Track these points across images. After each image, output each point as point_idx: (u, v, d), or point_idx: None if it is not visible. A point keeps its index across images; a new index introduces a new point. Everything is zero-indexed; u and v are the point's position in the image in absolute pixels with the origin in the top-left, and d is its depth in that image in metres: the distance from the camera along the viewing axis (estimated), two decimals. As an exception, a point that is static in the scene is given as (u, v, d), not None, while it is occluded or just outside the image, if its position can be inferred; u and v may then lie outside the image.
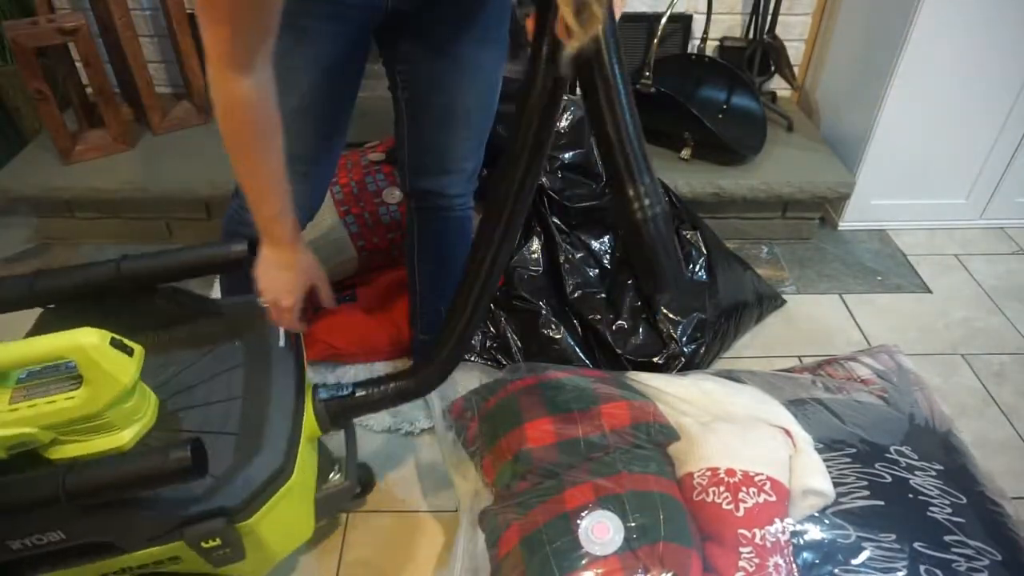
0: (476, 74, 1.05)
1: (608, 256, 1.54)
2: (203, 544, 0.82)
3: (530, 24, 0.79)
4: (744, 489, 0.96)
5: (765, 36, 1.90)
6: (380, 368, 1.48)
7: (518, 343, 1.45)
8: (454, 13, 0.99)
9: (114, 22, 1.73)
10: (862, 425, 1.10)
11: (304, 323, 0.98)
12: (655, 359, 1.42)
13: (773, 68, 1.98)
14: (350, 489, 1.03)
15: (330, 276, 1.51)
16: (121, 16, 1.73)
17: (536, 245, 1.47)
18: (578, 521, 0.93)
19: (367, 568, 1.18)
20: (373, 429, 1.38)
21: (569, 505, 0.95)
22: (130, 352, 0.82)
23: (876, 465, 1.03)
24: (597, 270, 1.52)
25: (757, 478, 0.97)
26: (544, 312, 1.44)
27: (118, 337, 0.81)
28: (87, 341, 0.76)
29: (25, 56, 1.60)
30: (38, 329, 0.95)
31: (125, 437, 0.83)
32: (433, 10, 0.98)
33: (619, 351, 1.42)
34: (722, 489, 0.96)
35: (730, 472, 0.97)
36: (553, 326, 1.43)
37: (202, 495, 0.82)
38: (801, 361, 1.57)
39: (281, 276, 0.92)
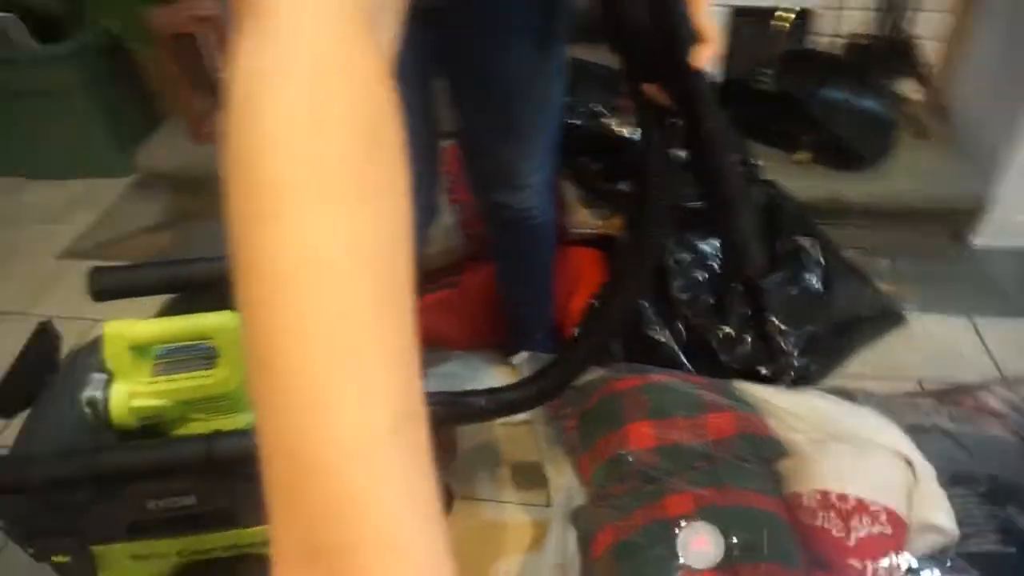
0: (529, 87, 1.00)
1: (717, 260, 1.49)
2: None
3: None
4: (857, 517, 0.90)
5: (896, 33, 1.78)
6: (478, 358, 1.49)
7: (618, 342, 1.43)
8: (492, 21, 0.94)
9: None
10: (994, 462, 1.02)
11: None
12: (762, 370, 1.36)
13: (903, 68, 1.85)
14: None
15: (434, 262, 1.56)
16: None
17: (643, 244, 1.44)
18: (676, 530, 0.91)
19: (455, 555, 1.20)
20: (469, 417, 1.40)
21: (668, 512, 0.93)
22: None
23: (1009, 508, 0.95)
24: (705, 273, 1.47)
25: (872, 507, 0.91)
26: (647, 313, 1.41)
27: None
28: (228, 323, 0.81)
29: (164, 41, 1.72)
30: (164, 314, 0.99)
31: (243, 421, 0.87)
32: (471, 18, 0.93)
33: (724, 359, 1.37)
34: (833, 514, 0.91)
35: (842, 497, 0.92)
36: (656, 328, 1.40)
37: None
38: (921, 386, 1.47)
39: None
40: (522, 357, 1.26)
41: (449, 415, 1.01)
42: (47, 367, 0.97)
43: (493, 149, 1.08)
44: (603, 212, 1.54)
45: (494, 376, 1.47)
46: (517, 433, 1.39)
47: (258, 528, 0.86)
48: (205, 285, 0.98)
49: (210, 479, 0.80)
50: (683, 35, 0.75)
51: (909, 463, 0.98)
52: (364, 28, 0.29)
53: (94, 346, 0.96)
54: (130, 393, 0.82)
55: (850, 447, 1.00)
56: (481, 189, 1.16)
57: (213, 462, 0.75)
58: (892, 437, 1.03)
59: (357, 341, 0.25)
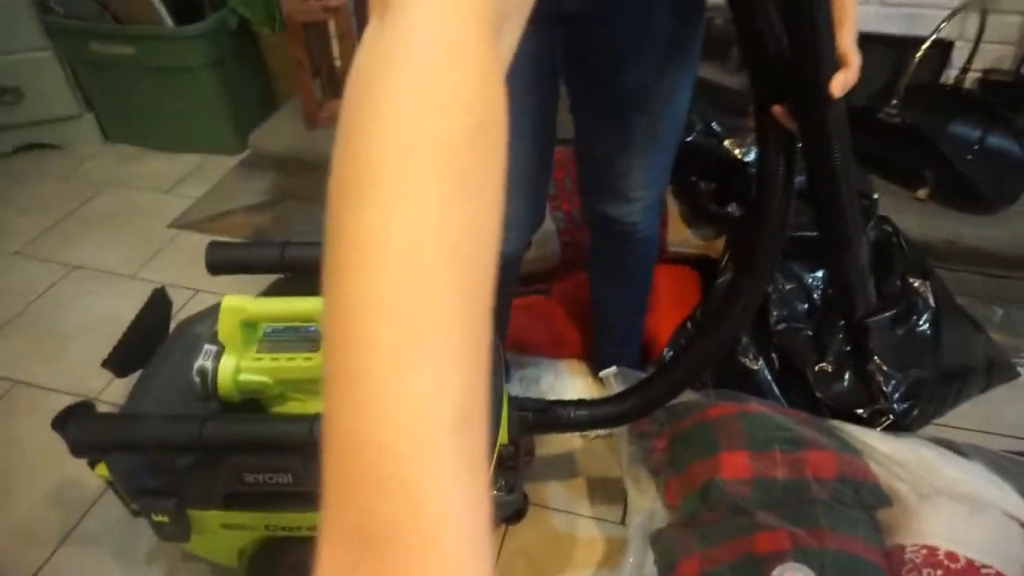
0: (659, 99, 0.98)
1: (820, 292, 1.44)
2: None
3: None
4: (966, 579, 0.85)
5: (1040, 73, 1.68)
6: (563, 366, 1.49)
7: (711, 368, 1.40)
8: (626, 32, 0.92)
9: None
10: (1122, 538, 0.95)
11: None
12: (859, 411, 1.31)
13: (1044, 110, 1.74)
14: (511, 505, 1.02)
15: (530, 268, 1.56)
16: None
17: (745, 269, 1.41)
18: (769, 569, 0.88)
19: (526, 560, 1.20)
20: (550, 424, 1.40)
21: (759, 549, 0.90)
22: None
23: None
24: (806, 304, 1.43)
25: (984, 571, 0.86)
26: (743, 340, 1.38)
27: None
28: None
29: (294, 28, 1.79)
30: (270, 295, 1.02)
31: None
32: (603, 27, 0.91)
33: (819, 395, 1.32)
34: (940, 573, 0.86)
35: (952, 556, 0.87)
36: (751, 356, 1.37)
37: None
38: (1031, 445, 1.38)
39: None
40: (611, 371, 1.25)
41: (540, 422, 1.01)
42: (159, 331, 1.01)
43: (609, 159, 1.06)
44: (706, 232, 1.51)
45: (579, 386, 1.46)
46: (595, 446, 1.38)
47: None
48: (315, 269, 1.01)
49: (309, 460, 0.82)
50: (825, 57, 0.72)
51: (1025, 529, 0.92)
52: (488, 29, 0.30)
53: (204, 316, 1.00)
54: (237, 367, 0.85)
55: (961, 506, 0.94)
56: (590, 198, 1.16)
57: (314, 444, 0.76)
58: (1007, 499, 0.97)
59: (432, 330, 0.24)
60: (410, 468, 0.23)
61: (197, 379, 0.85)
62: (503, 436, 0.98)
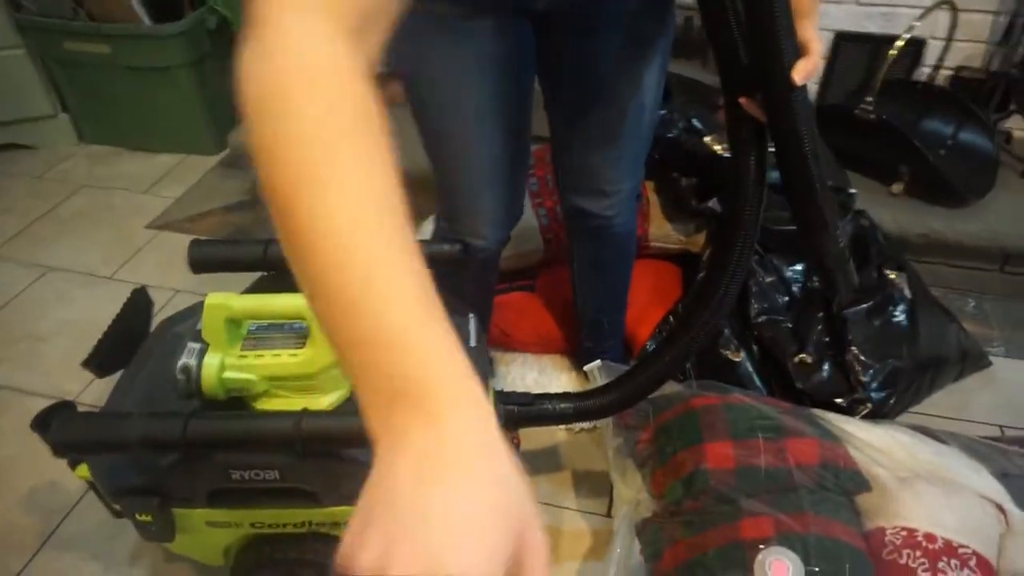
0: (630, 93, 0.99)
1: (799, 285, 1.46)
2: None
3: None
4: (944, 559, 0.87)
5: (1012, 70, 1.72)
6: (548, 361, 1.50)
7: (692, 360, 1.41)
8: (596, 28, 0.93)
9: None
10: (1093, 518, 0.97)
11: None
12: (838, 400, 1.33)
13: (1014, 106, 1.79)
14: None
15: (513, 265, 1.57)
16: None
17: (726, 262, 1.42)
18: (754, 554, 0.89)
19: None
20: (535, 419, 1.40)
21: (744, 535, 0.91)
22: None
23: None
24: (786, 297, 1.45)
25: (961, 550, 0.88)
26: (725, 332, 1.39)
27: None
28: None
29: (273, 27, 1.77)
30: (253, 292, 1.00)
31: (325, 402, 0.87)
32: (580, 22, 0.92)
33: (800, 385, 1.34)
34: (919, 554, 0.88)
35: (930, 537, 0.89)
36: (733, 348, 1.38)
37: None
38: (1003, 432, 1.41)
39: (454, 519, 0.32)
40: (595, 365, 1.26)
41: (526, 416, 1.01)
42: (140, 331, 1.00)
43: (583, 152, 1.08)
44: (687, 228, 1.52)
45: (564, 381, 1.47)
46: (580, 439, 1.39)
47: (335, 508, 0.86)
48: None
49: (295, 456, 0.81)
50: (784, 47, 0.72)
51: (1001, 509, 0.94)
52: (352, 36, 0.40)
53: (185, 315, 1.00)
54: (221, 365, 0.83)
55: (938, 488, 0.96)
56: (567, 192, 1.17)
57: (304, 439, 0.76)
58: (983, 482, 1.00)
59: (368, 221, 0.36)
60: (392, 322, 0.35)
61: (181, 377, 0.83)
62: None
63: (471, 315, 1.02)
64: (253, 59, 0.39)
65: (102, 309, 1.68)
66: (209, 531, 0.90)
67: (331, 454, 0.82)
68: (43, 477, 1.29)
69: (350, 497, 0.83)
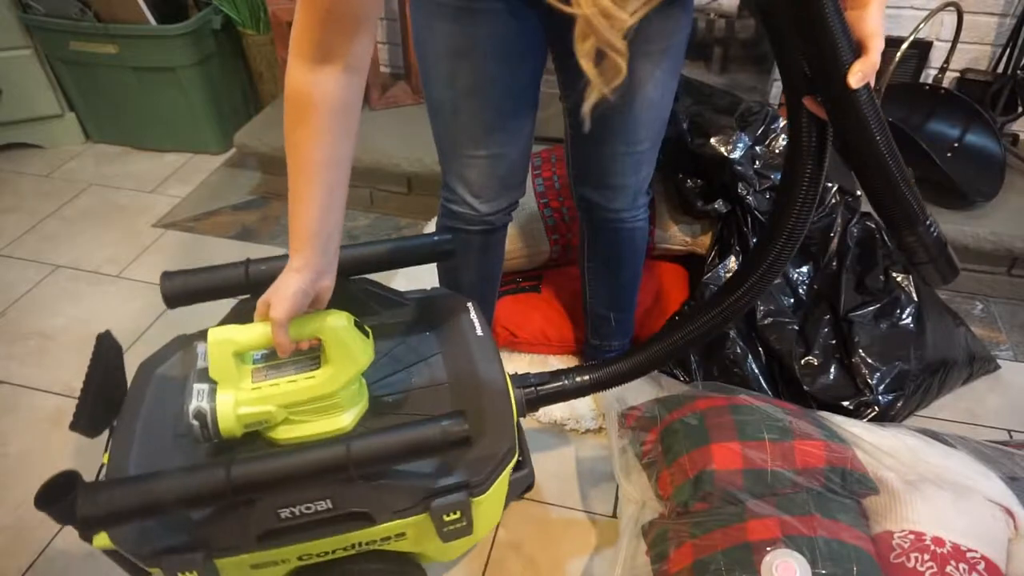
0: (640, 90, 0.98)
1: (805, 287, 1.46)
2: (445, 517, 0.82)
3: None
4: (952, 563, 0.87)
5: (1018, 71, 1.72)
6: (553, 362, 1.50)
7: (698, 360, 1.41)
8: None
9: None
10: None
11: (288, 340, 0.79)
12: (845, 403, 1.33)
13: (1021, 108, 1.78)
14: (528, 477, 1.00)
15: (520, 265, 1.57)
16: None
17: (732, 264, 1.42)
18: (761, 556, 0.89)
19: (518, 553, 1.20)
20: (540, 420, 1.40)
21: (751, 536, 0.91)
22: (367, 334, 0.84)
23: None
24: (792, 299, 1.44)
25: (970, 555, 0.88)
26: (731, 335, 1.39)
27: (358, 320, 0.82)
28: (337, 323, 0.79)
29: (280, 28, 1.78)
30: (235, 317, 0.94)
31: (346, 420, 0.84)
32: None
33: (806, 388, 1.34)
34: (927, 557, 0.88)
35: (938, 541, 0.89)
36: (739, 350, 1.38)
37: (446, 470, 0.82)
38: (1011, 435, 1.41)
39: (289, 282, 0.78)
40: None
41: (545, 395, 1.00)
42: (117, 381, 0.93)
43: (593, 145, 1.08)
44: (692, 229, 1.52)
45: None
46: (586, 440, 1.39)
47: (387, 524, 0.83)
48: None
49: (342, 483, 0.77)
50: (839, 46, 0.68)
51: (1010, 514, 0.94)
52: (348, 69, 0.75)
53: (163, 356, 0.95)
54: (236, 401, 0.79)
55: (946, 492, 0.96)
56: (576, 182, 1.17)
57: (357, 464, 0.73)
58: (992, 486, 0.99)
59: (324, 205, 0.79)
60: (306, 239, 0.79)
61: (195, 423, 0.78)
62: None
63: (470, 304, 1.02)
64: (291, 75, 0.77)
65: (110, 308, 1.69)
66: (254, 573, 0.85)
67: (382, 473, 0.80)
68: (54, 472, 1.28)
69: (402, 510, 0.82)
